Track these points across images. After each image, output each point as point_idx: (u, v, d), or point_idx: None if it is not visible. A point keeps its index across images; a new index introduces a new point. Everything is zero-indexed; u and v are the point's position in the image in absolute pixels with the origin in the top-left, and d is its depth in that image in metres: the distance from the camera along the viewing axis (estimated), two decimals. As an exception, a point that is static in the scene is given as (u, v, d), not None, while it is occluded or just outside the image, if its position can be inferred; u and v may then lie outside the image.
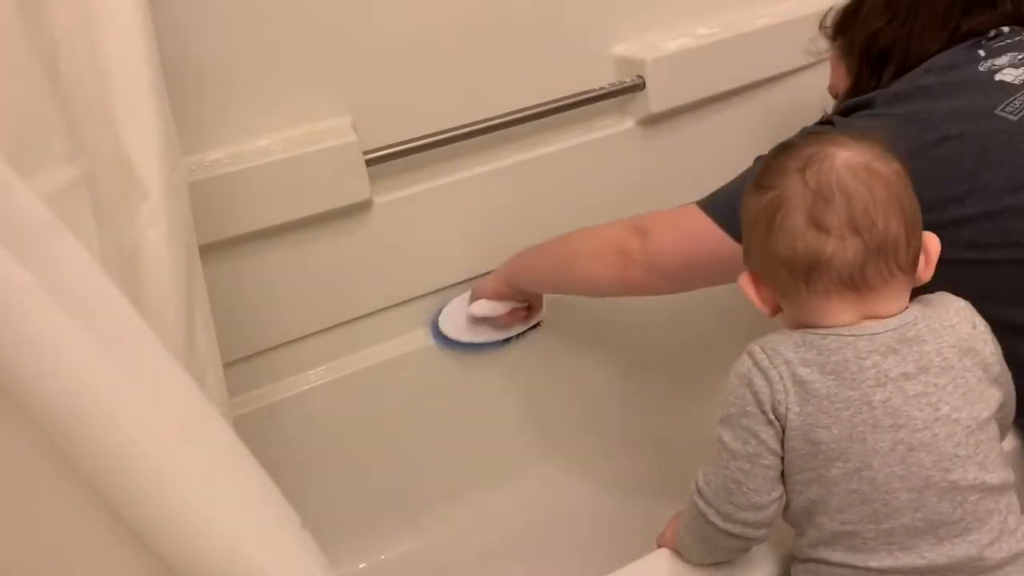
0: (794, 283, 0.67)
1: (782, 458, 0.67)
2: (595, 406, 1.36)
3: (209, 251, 0.91)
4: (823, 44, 1.04)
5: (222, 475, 0.53)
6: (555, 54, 1.16)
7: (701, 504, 0.70)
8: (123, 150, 0.69)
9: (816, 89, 1.28)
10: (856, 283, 0.65)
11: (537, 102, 1.14)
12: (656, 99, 1.19)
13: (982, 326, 0.69)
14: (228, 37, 0.98)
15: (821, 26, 1.04)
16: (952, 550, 0.63)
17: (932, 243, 0.68)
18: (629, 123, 1.23)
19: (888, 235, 0.64)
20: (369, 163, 1.05)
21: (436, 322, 1.21)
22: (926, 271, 0.68)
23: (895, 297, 0.67)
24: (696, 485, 0.72)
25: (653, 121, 1.23)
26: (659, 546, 0.81)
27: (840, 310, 0.66)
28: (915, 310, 0.68)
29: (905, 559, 0.64)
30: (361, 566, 1.23)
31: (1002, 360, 0.69)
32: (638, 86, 1.18)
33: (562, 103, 1.15)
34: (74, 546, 0.52)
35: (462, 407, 1.26)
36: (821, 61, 1.28)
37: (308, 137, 1.04)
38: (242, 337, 1.08)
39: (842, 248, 0.64)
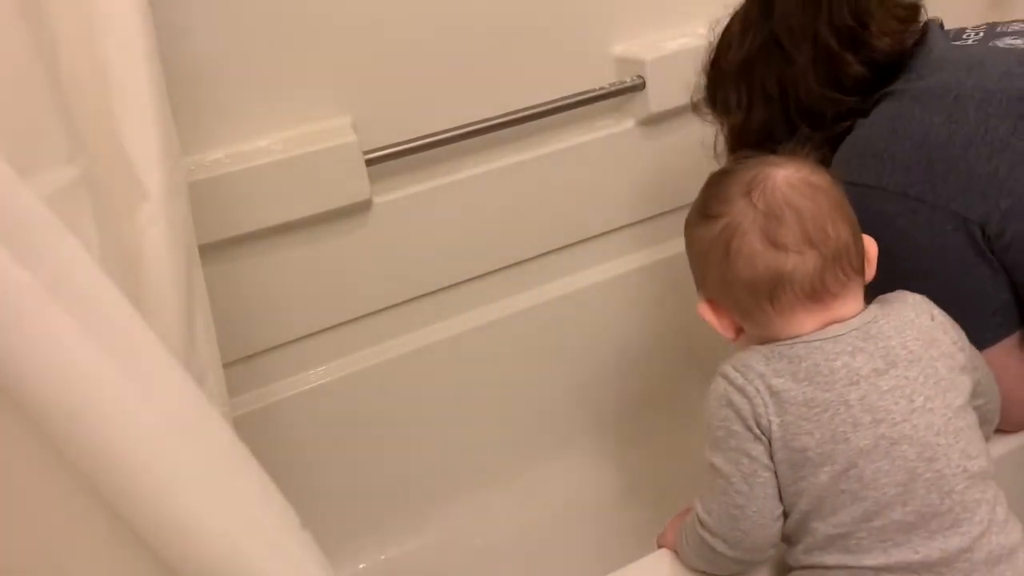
0: (757, 303, 0.68)
1: (775, 472, 0.67)
2: (596, 407, 1.36)
3: (209, 251, 0.91)
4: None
5: (222, 475, 0.53)
6: (555, 54, 1.16)
7: (707, 536, 0.70)
8: (123, 150, 0.69)
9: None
10: (818, 293, 0.67)
11: (537, 102, 1.14)
12: (656, 99, 1.18)
13: (941, 317, 0.70)
14: (228, 37, 0.98)
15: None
16: (944, 543, 0.64)
17: (871, 246, 0.71)
18: (629, 123, 1.22)
19: (840, 241, 0.67)
20: (369, 163, 1.05)
21: None
22: (869, 271, 0.71)
23: (853, 299, 0.69)
24: (697, 517, 0.71)
25: (653, 121, 1.23)
26: (659, 546, 0.81)
27: (805, 321, 0.68)
28: (874, 309, 0.70)
29: (899, 555, 0.64)
30: (361, 566, 1.23)
31: (967, 346, 0.71)
32: (638, 86, 1.18)
33: (562, 103, 1.15)
34: (74, 546, 0.52)
35: (462, 407, 1.26)
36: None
37: (308, 137, 1.04)
38: (242, 337, 1.08)
39: (802, 262, 0.66)
